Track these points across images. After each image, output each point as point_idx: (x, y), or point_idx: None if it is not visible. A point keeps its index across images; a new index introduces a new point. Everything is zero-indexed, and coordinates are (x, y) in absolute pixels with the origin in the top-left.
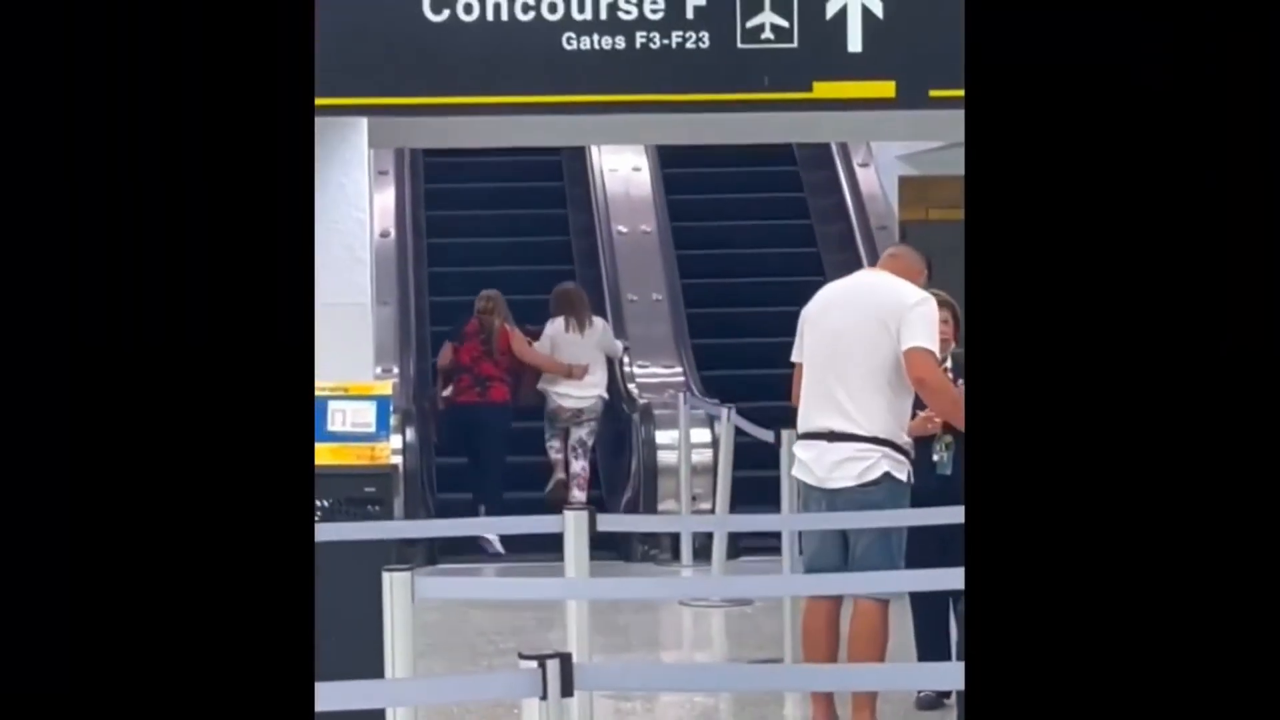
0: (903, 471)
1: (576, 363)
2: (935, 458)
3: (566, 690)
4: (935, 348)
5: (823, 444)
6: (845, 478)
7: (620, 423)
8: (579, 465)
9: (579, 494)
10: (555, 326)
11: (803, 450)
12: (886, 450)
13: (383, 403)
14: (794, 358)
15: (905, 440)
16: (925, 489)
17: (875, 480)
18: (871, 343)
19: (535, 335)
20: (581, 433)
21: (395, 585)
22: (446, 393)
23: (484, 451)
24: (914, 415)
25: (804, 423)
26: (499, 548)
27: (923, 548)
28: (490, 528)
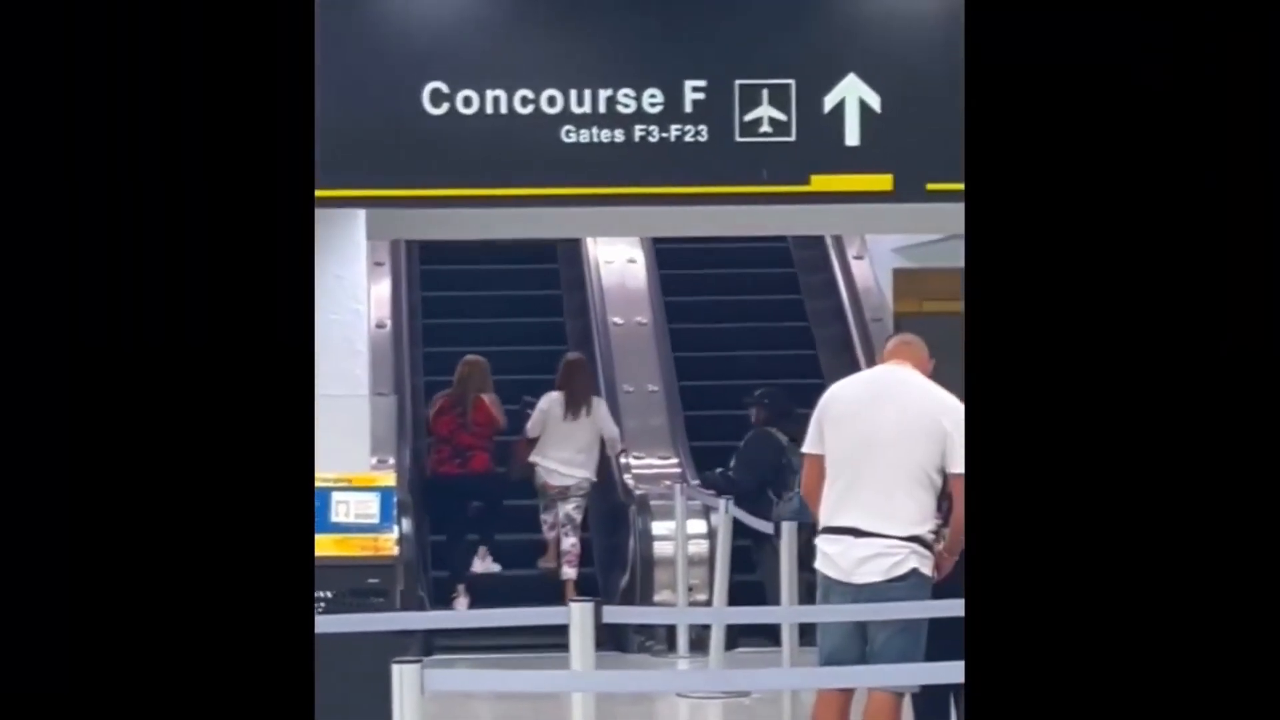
0: (928, 566)
1: (564, 448)
2: None
3: None
4: None
5: (850, 539)
6: (873, 573)
7: (615, 514)
8: (569, 543)
9: (570, 571)
10: (551, 404)
11: (828, 544)
12: (915, 546)
13: (386, 494)
14: (809, 450)
15: (930, 535)
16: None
17: (903, 576)
18: (908, 445)
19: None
20: (568, 508)
21: (405, 677)
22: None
23: (479, 512)
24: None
25: (830, 517)
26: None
27: (926, 641)
28: (494, 619)
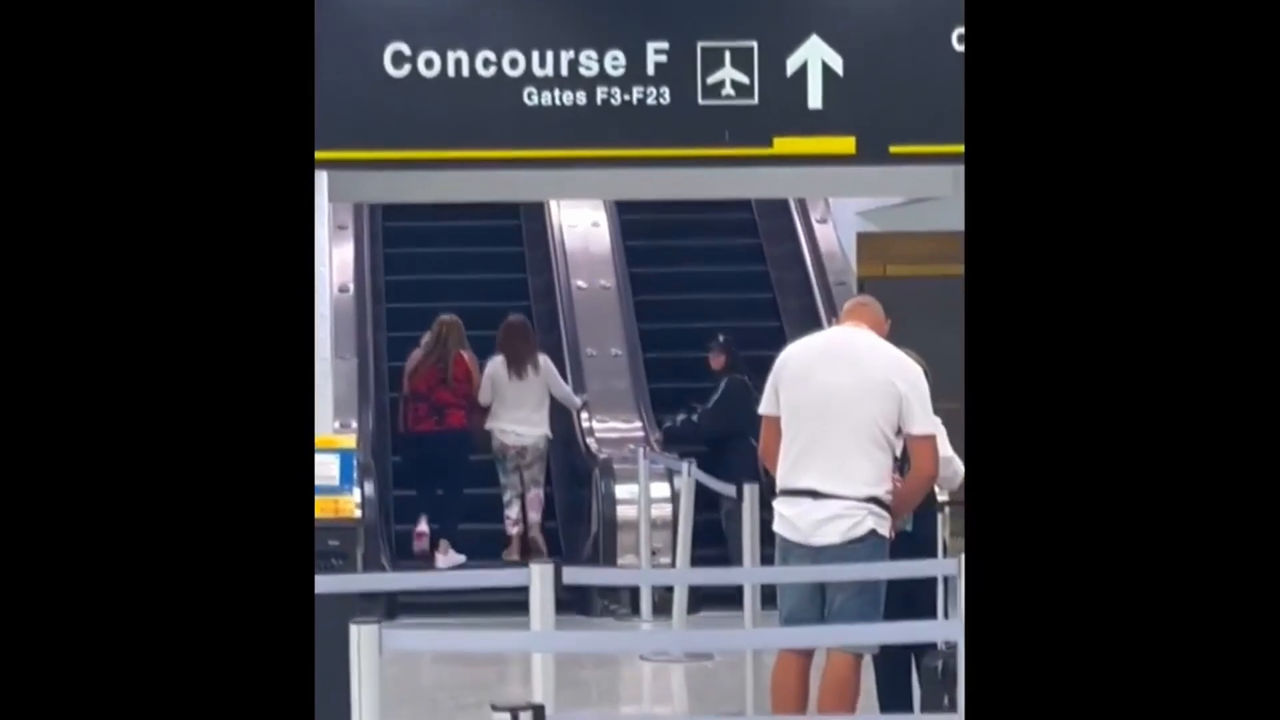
0: (885, 527)
1: (515, 409)
2: None
3: None
4: (939, 429)
5: (808, 501)
6: (831, 534)
7: (579, 478)
8: (532, 494)
9: (534, 515)
10: (496, 367)
11: (785, 506)
12: (872, 507)
13: (346, 456)
14: (765, 410)
15: (888, 495)
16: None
17: (861, 537)
18: (865, 406)
19: None
20: (533, 472)
21: (363, 638)
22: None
23: (444, 481)
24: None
25: (786, 479)
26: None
27: (887, 602)
28: (456, 580)
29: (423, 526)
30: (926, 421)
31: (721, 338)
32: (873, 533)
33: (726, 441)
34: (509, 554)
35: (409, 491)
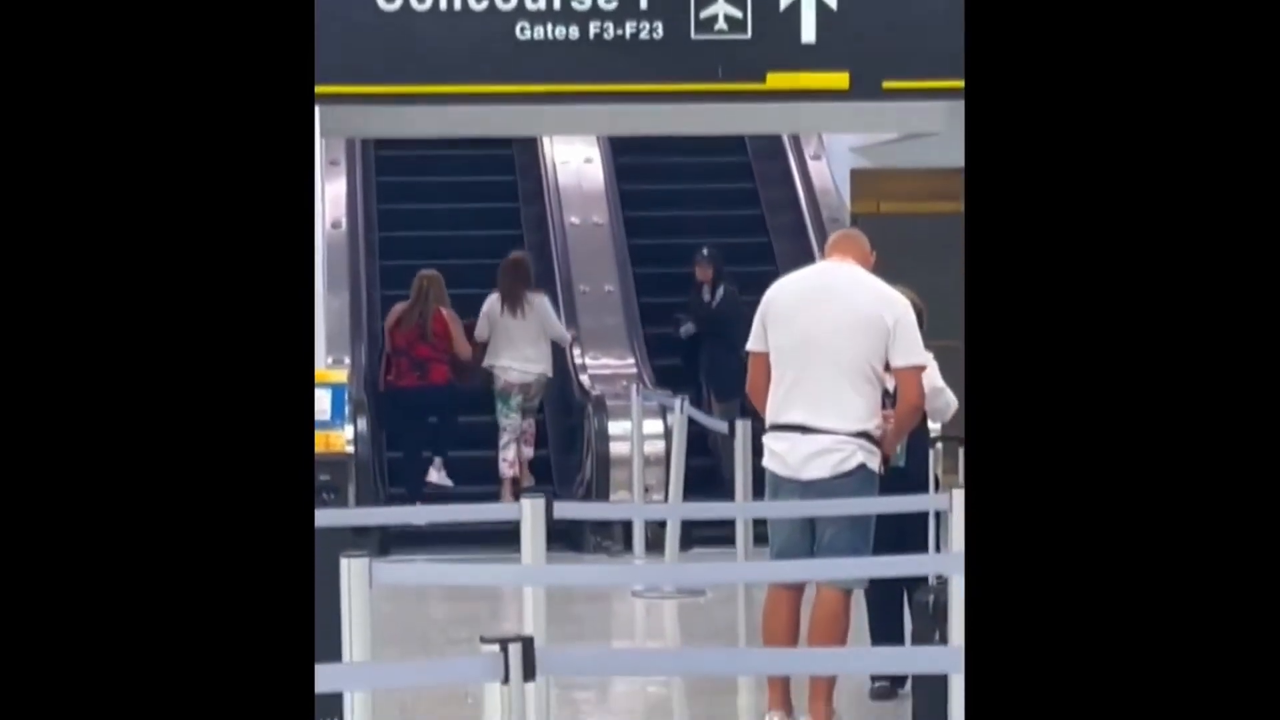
0: (874, 461)
1: (515, 346)
2: None
3: (528, 674)
4: (929, 360)
5: (797, 436)
6: (821, 468)
7: (572, 415)
8: (527, 423)
9: (526, 450)
10: (492, 305)
11: (775, 441)
12: (861, 442)
13: (338, 391)
14: (753, 347)
15: (877, 429)
16: (881, 480)
17: (850, 471)
18: (852, 339)
19: (470, 327)
20: (532, 404)
21: (353, 571)
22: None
23: (432, 442)
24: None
25: (777, 414)
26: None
27: (879, 538)
28: (447, 514)
29: (434, 475)
30: (911, 352)
31: (706, 250)
32: (862, 466)
33: (714, 354)
34: (503, 498)
35: (396, 454)
